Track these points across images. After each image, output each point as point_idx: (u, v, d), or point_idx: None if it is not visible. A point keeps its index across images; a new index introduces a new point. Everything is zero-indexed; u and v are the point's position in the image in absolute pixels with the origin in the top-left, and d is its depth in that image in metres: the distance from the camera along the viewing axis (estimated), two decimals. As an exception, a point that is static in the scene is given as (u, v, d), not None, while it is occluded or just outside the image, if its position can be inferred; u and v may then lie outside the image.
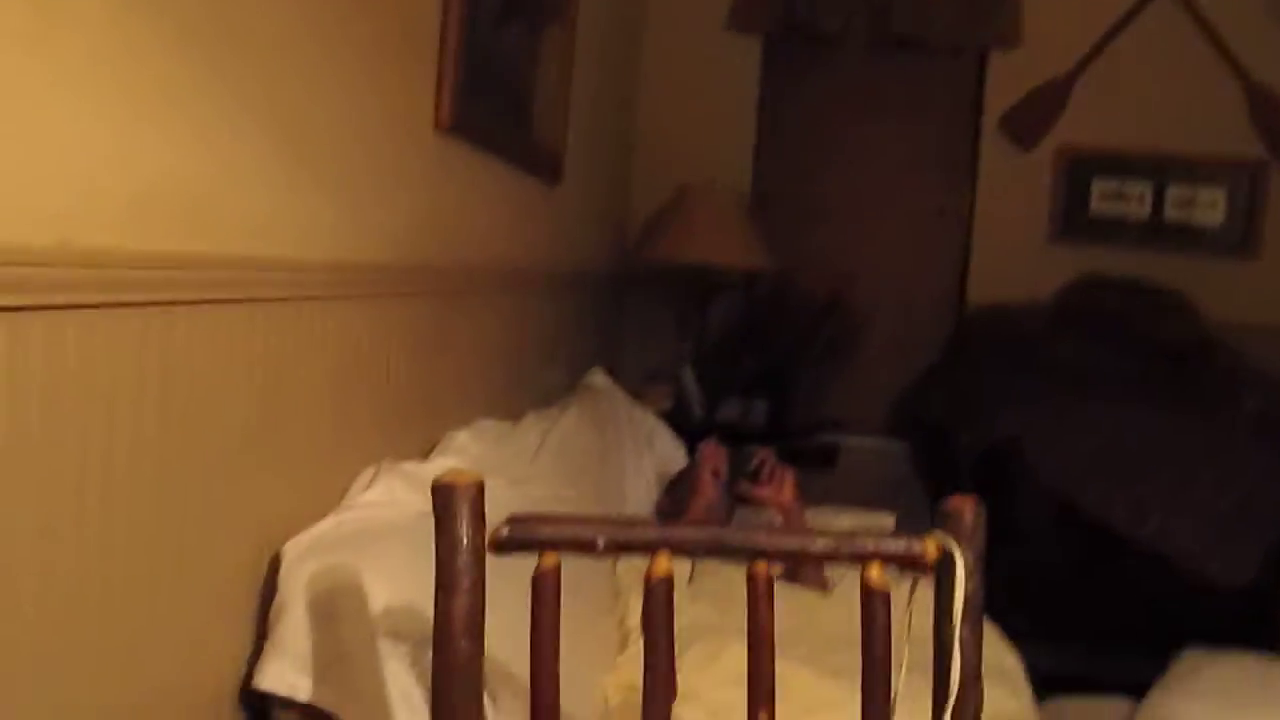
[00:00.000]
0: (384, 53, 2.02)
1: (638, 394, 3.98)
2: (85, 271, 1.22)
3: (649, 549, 1.31)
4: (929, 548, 1.34)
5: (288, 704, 1.57)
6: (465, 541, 1.25)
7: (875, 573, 1.34)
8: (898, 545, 1.35)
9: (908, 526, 3.38)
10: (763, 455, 3.32)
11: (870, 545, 1.35)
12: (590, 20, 3.50)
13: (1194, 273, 4.53)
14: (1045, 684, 3.19)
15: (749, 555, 1.34)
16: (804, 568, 3.08)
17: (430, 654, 1.54)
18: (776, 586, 2.87)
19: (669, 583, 1.31)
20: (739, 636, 2.30)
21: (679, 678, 2.20)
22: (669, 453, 3.64)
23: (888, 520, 3.52)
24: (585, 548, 1.31)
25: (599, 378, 3.71)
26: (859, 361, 4.70)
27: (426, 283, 2.29)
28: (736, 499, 3.21)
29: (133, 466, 1.34)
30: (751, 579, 1.32)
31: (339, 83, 1.83)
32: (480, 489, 1.27)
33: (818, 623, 2.49)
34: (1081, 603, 4.02)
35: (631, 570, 2.89)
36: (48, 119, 1.16)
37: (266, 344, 1.63)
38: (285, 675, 1.56)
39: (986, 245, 4.73)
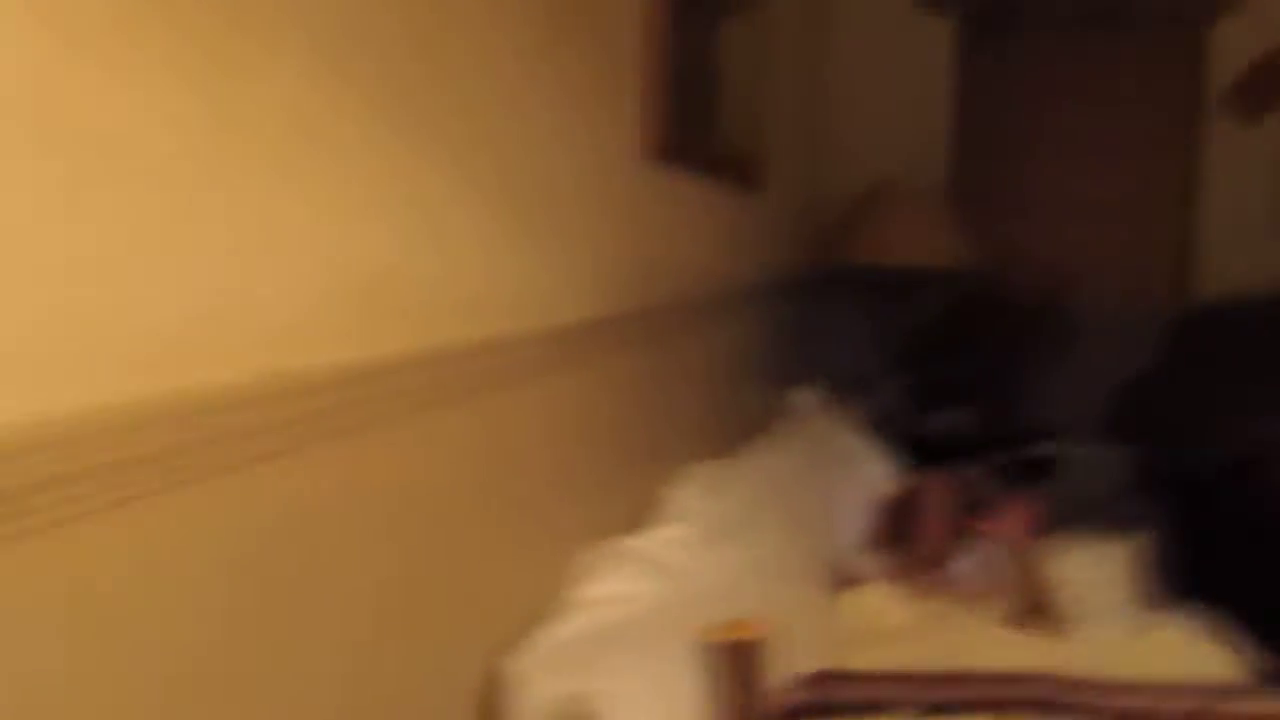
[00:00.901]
0: (588, 83, 1.82)
1: (839, 406, 3.73)
2: (298, 403, 1.03)
3: (968, 710, 1.08)
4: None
5: None
6: (751, 716, 1.04)
7: (1250, 740, 1.08)
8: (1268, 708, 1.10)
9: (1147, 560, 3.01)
10: (988, 484, 3.05)
11: (1246, 708, 1.09)
12: (775, 10, 3.24)
13: None
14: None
15: (1086, 715, 1.10)
16: (1036, 606, 2.82)
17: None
18: (1004, 633, 2.60)
19: (993, 752, 1.07)
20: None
21: None
22: (880, 473, 3.38)
23: (1123, 549, 3.21)
24: (893, 711, 1.09)
25: (803, 396, 3.48)
26: (1075, 364, 4.35)
27: (636, 330, 2.08)
28: (962, 533, 2.95)
29: (362, 601, 1.16)
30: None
31: (548, 124, 1.63)
32: (763, 647, 1.06)
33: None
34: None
35: (845, 607, 2.66)
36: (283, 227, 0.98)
37: (480, 437, 1.45)
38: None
39: (1211, 234, 4.34)
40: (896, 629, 2.55)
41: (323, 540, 1.10)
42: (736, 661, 1.04)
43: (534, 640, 1.52)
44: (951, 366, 4.19)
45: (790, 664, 1.12)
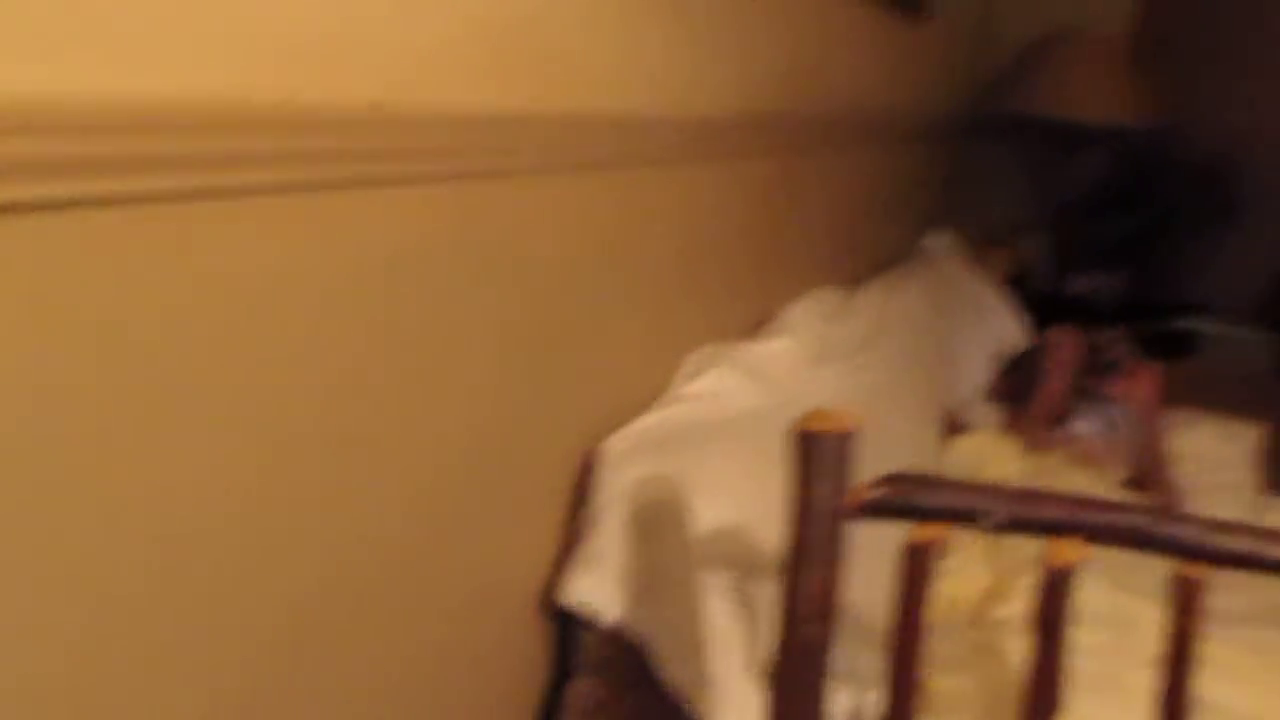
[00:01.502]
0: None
1: (981, 258, 3.62)
2: (410, 138, 1.02)
3: (1053, 531, 1.05)
4: None
5: (595, 623, 1.40)
6: (827, 508, 1.02)
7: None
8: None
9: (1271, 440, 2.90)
10: (1120, 347, 2.94)
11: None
12: None
13: None
14: None
15: (1177, 552, 1.06)
16: (1152, 473, 2.75)
17: (755, 587, 1.35)
18: (1117, 497, 2.52)
19: (1070, 576, 1.04)
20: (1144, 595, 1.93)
21: (1008, 605, 1.96)
22: (1006, 329, 3.29)
23: (1252, 431, 3.10)
24: (969, 520, 1.06)
25: (941, 239, 3.38)
26: (1237, 238, 4.14)
27: (778, 137, 2.02)
28: (1085, 393, 2.87)
29: (464, 351, 1.16)
30: (1178, 588, 1.05)
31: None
32: (849, 441, 1.03)
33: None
34: None
35: (954, 451, 2.62)
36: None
37: (611, 214, 1.42)
38: (595, 594, 1.39)
39: None
40: (1004, 478, 2.51)
41: (446, 278, 1.10)
42: (819, 450, 1.02)
43: (630, 428, 1.52)
44: (1105, 228, 4.02)
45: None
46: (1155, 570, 1.08)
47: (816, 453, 1.02)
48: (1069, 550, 1.04)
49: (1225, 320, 4.07)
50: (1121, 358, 2.90)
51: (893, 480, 1.05)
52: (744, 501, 1.40)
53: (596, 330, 1.46)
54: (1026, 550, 2.04)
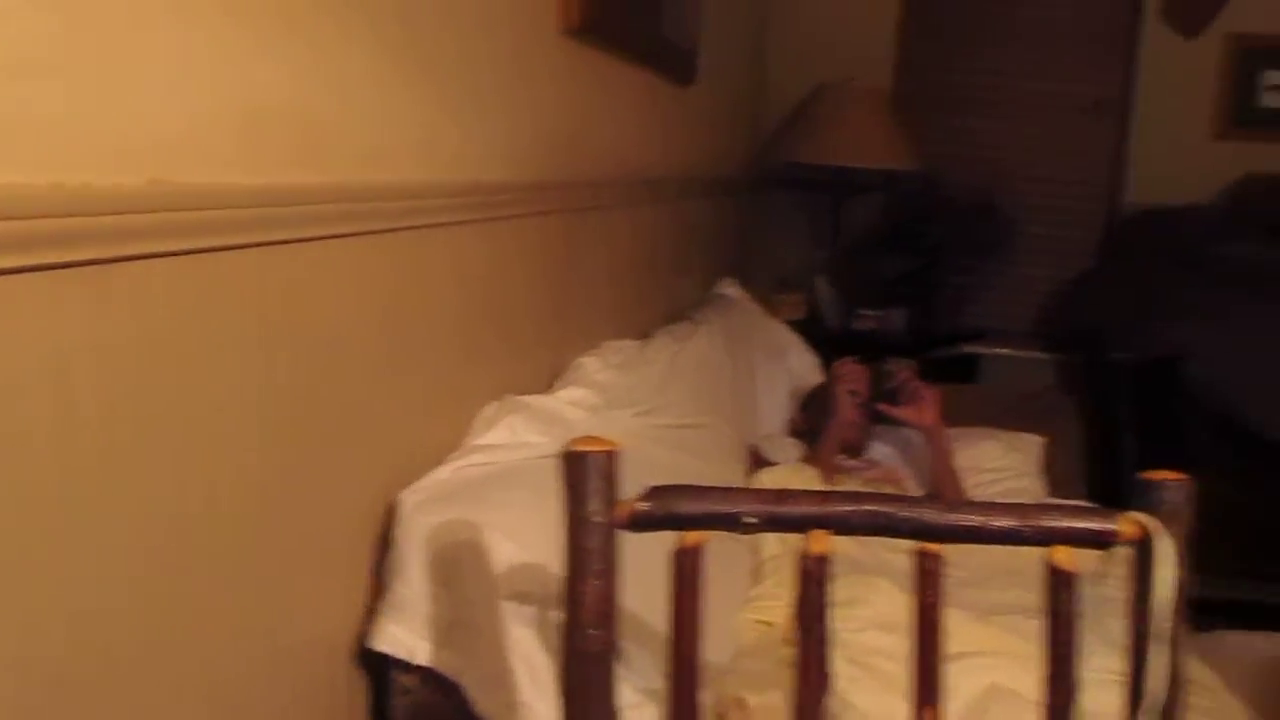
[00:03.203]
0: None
1: (770, 302, 3.80)
2: (185, 214, 1.09)
3: (803, 526, 1.16)
4: (1127, 528, 1.17)
5: (406, 666, 1.46)
6: (597, 520, 1.11)
7: (1063, 556, 1.17)
8: (1090, 524, 1.18)
9: (1062, 456, 3.17)
10: (903, 374, 3.13)
11: (1059, 523, 1.18)
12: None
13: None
14: (1203, 611, 3.00)
15: (917, 534, 1.18)
16: (943, 487, 2.92)
17: (556, 614, 1.42)
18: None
19: (824, 563, 1.15)
20: (882, 575, 2.17)
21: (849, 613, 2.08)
22: (803, 367, 3.47)
23: (1035, 441, 3.33)
24: (730, 524, 1.17)
25: (730, 288, 3.54)
26: (1006, 268, 4.44)
27: (553, 200, 2.13)
28: (878, 419, 3.05)
29: (247, 415, 1.23)
30: (919, 564, 1.17)
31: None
32: (615, 459, 1.13)
33: (962, 551, 2.33)
34: (1246, 524, 3.78)
35: (757, 484, 2.75)
36: (144, 42, 1.03)
37: (388, 277, 1.50)
38: (403, 637, 1.45)
39: (1146, 141, 4.41)
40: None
41: (207, 346, 1.16)
42: (586, 468, 1.12)
43: (428, 478, 1.60)
44: (886, 267, 4.27)
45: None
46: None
47: (583, 470, 1.12)
48: (819, 542, 1.15)
49: (1003, 344, 4.34)
50: (906, 384, 3.08)
51: (655, 492, 1.15)
52: (539, 539, 1.47)
53: (381, 389, 1.53)
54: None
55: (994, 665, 1.85)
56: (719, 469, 2.52)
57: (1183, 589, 1.15)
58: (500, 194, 1.86)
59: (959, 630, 1.94)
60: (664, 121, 2.97)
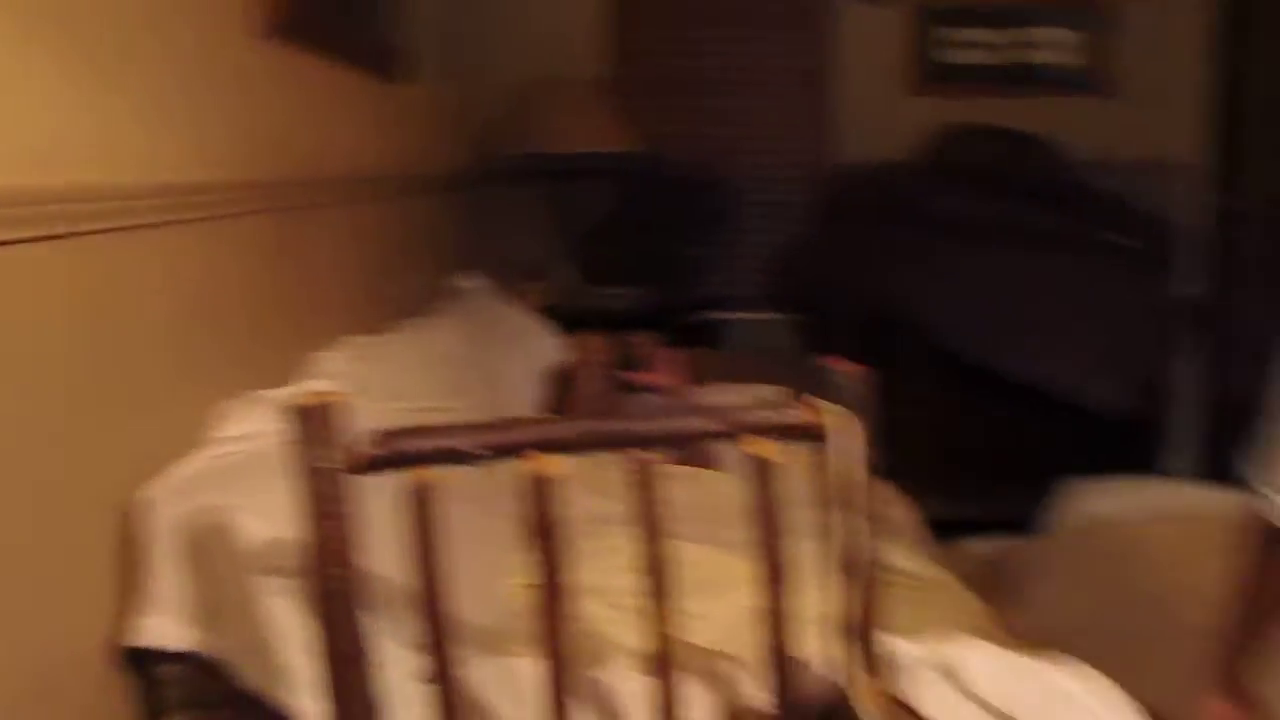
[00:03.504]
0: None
1: (515, 291, 3.88)
2: None
3: (524, 451, 1.25)
4: (816, 416, 1.30)
5: (172, 656, 1.49)
6: (328, 466, 1.17)
7: (762, 446, 1.29)
8: (784, 416, 1.31)
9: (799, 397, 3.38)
10: (644, 342, 3.27)
11: (756, 418, 1.30)
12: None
13: (1055, 114, 4.54)
14: (941, 531, 3.25)
15: (629, 444, 1.28)
16: (692, 451, 3.07)
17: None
18: (665, 468, 2.85)
19: (549, 484, 1.25)
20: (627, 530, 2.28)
21: (584, 573, 2.17)
22: (549, 348, 3.57)
23: (775, 392, 3.51)
24: (459, 459, 1.24)
25: (470, 281, 3.61)
26: (737, 236, 4.64)
27: (263, 199, 2.15)
28: (622, 388, 3.17)
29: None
30: (633, 468, 1.27)
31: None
32: (338, 408, 1.19)
33: (709, 497, 2.48)
34: (969, 450, 4.08)
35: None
36: None
37: (83, 280, 1.51)
38: (165, 627, 1.48)
39: (847, 104, 4.68)
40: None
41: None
42: (313, 418, 1.18)
43: (169, 474, 1.62)
44: (623, 247, 4.41)
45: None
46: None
47: (310, 421, 1.18)
48: (545, 464, 1.24)
49: (742, 309, 4.54)
50: (647, 352, 3.22)
51: (383, 436, 1.22)
52: (287, 515, 1.52)
53: (94, 394, 1.53)
54: (576, 511, 2.30)
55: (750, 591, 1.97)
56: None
57: (869, 464, 1.29)
58: (200, 194, 1.87)
59: (708, 561, 2.09)
60: (377, 120, 3.01)
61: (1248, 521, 1.34)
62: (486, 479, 2.11)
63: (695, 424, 1.31)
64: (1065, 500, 3.50)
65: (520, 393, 3.35)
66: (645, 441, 1.28)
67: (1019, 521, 3.59)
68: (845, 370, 1.31)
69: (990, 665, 1.47)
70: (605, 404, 3.14)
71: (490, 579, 2.06)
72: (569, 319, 3.85)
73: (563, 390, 3.16)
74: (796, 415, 1.30)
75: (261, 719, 1.45)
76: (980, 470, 4.06)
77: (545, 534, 1.25)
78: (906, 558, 2.36)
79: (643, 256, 4.42)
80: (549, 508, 1.25)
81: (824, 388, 1.32)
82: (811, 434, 1.29)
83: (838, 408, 1.28)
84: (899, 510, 2.99)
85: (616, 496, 2.28)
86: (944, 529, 3.46)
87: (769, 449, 1.28)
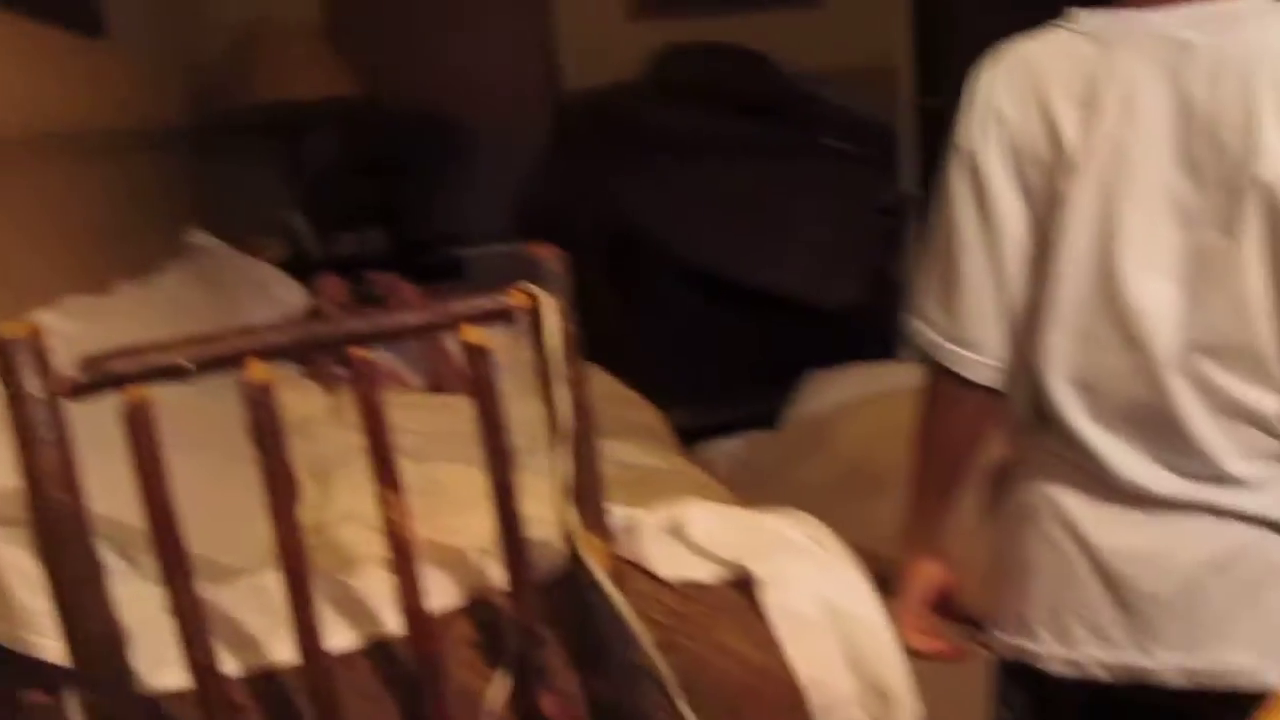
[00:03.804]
0: None
1: (249, 245, 3.82)
2: None
3: (238, 360, 1.27)
4: (519, 298, 1.37)
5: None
6: (34, 393, 1.17)
7: (473, 333, 1.35)
8: (489, 302, 1.37)
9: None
10: (383, 279, 3.28)
11: (463, 307, 1.36)
12: None
13: (769, 29, 4.70)
14: (690, 437, 3.39)
15: (344, 342, 1.32)
16: (447, 379, 3.11)
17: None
18: (421, 397, 2.88)
19: (267, 390, 1.27)
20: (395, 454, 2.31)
21: (338, 502, 2.19)
22: (288, 296, 3.53)
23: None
24: (170, 374, 1.26)
25: (198, 237, 3.54)
26: (474, 171, 4.66)
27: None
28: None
29: None
30: (351, 365, 1.31)
31: None
32: (39, 334, 1.19)
33: (464, 423, 2.52)
34: (718, 358, 4.25)
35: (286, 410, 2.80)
36: None
37: None
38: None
39: (570, 31, 4.75)
40: (308, 418, 2.73)
41: None
42: (13, 351, 1.17)
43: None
44: (353, 193, 4.39)
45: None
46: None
47: (12, 351, 1.17)
48: (256, 370, 1.26)
49: (483, 243, 4.58)
50: (386, 288, 3.23)
51: (89, 360, 1.22)
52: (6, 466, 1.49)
53: None
54: (333, 449, 2.31)
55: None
56: (213, 401, 2.56)
57: (569, 339, 1.36)
58: None
59: (465, 483, 2.12)
60: (80, 75, 2.90)
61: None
62: (229, 421, 2.11)
63: (409, 318, 1.35)
64: (803, 393, 3.70)
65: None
66: (361, 339, 1.31)
67: (770, 420, 3.78)
68: (543, 254, 1.38)
69: (713, 519, 1.57)
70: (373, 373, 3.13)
71: (248, 520, 2.06)
72: (307, 269, 3.82)
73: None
74: (504, 300, 1.36)
75: (14, 669, 1.44)
76: (731, 376, 4.24)
77: (267, 441, 1.28)
78: (648, 454, 2.46)
79: (377, 201, 4.41)
80: (270, 414, 1.27)
81: (529, 274, 1.39)
82: (520, 315, 1.36)
83: (534, 286, 1.35)
84: (647, 415, 3.10)
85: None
86: (699, 435, 3.61)
87: (481, 335, 1.34)
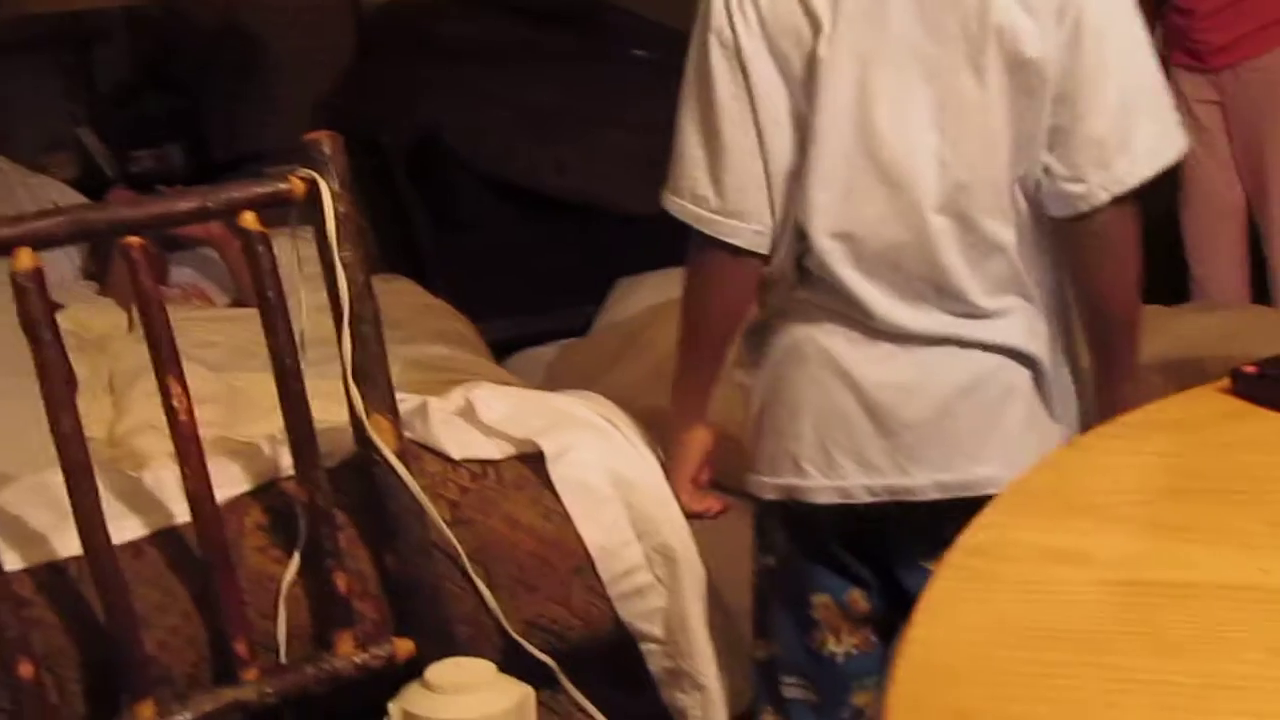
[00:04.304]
0: None
1: (38, 164, 3.68)
2: None
3: (8, 248, 1.25)
4: (295, 184, 1.37)
5: None
6: None
7: (250, 218, 1.35)
8: (265, 188, 1.37)
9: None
10: (172, 191, 3.19)
11: (239, 193, 1.36)
12: None
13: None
14: (506, 350, 3.42)
15: (119, 230, 1.31)
16: (245, 287, 3.07)
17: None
18: (225, 312, 2.84)
19: (38, 276, 1.26)
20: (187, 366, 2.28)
21: (135, 413, 2.16)
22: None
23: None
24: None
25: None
26: (271, 86, 4.54)
27: None
28: (167, 244, 3.11)
29: None
30: (125, 253, 1.30)
31: None
32: None
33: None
34: (526, 268, 4.25)
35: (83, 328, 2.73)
36: None
37: None
38: None
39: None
40: (107, 335, 2.67)
41: None
42: None
43: None
44: (149, 106, 4.24)
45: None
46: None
47: None
48: (24, 258, 1.25)
49: (287, 160, 4.47)
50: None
51: None
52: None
53: None
54: (130, 362, 2.27)
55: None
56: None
57: (343, 220, 1.37)
58: None
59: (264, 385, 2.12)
60: None
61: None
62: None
63: (183, 204, 1.35)
64: (614, 299, 3.75)
65: (58, 265, 3.21)
66: (134, 226, 1.30)
67: (585, 330, 3.82)
68: (319, 139, 1.38)
69: (502, 401, 1.61)
70: (158, 263, 3.07)
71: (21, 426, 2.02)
72: (102, 188, 3.69)
73: (104, 255, 3.06)
74: (281, 185, 1.36)
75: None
76: (545, 287, 4.25)
77: (38, 330, 1.26)
78: (455, 356, 2.49)
79: (171, 115, 4.26)
80: (40, 303, 1.26)
81: (309, 161, 1.39)
82: (296, 199, 1.36)
83: (310, 171, 1.36)
84: (458, 324, 3.12)
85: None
86: (515, 348, 3.64)
87: (254, 220, 1.34)
